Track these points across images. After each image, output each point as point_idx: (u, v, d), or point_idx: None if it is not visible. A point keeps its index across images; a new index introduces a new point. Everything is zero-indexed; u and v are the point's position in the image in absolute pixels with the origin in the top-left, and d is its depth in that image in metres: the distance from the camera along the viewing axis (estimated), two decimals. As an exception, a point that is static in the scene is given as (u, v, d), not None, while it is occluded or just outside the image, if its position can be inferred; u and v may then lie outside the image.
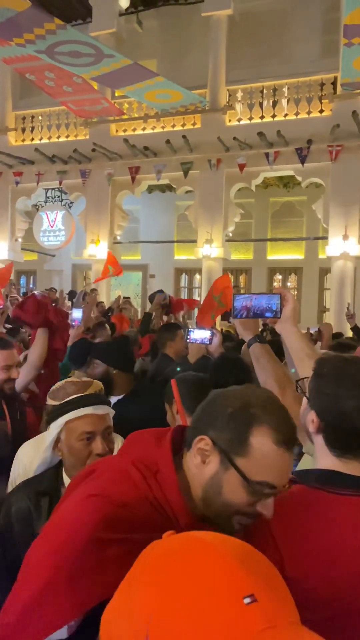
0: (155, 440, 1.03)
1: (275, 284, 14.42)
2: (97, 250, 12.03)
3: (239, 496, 0.93)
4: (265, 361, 1.75)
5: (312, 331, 6.80)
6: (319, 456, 1.19)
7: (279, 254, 14.27)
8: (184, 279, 15.57)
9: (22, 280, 16.75)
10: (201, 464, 0.96)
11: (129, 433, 1.15)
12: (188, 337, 3.17)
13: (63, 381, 1.69)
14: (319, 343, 5.15)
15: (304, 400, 1.23)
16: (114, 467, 1.01)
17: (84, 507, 0.96)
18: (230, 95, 11.09)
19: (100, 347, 3.04)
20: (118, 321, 6.22)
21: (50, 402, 1.66)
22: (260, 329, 1.91)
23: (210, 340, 3.07)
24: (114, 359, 2.70)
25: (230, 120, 10.97)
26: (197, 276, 14.66)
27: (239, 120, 10.94)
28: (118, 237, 12.54)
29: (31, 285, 16.74)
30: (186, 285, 15.58)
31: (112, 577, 0.77)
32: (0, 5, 6.06)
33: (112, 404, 2.52)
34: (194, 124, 11.22)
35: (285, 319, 1.67)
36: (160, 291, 6.46)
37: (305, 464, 1.71)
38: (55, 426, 1.55)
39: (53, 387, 1.69)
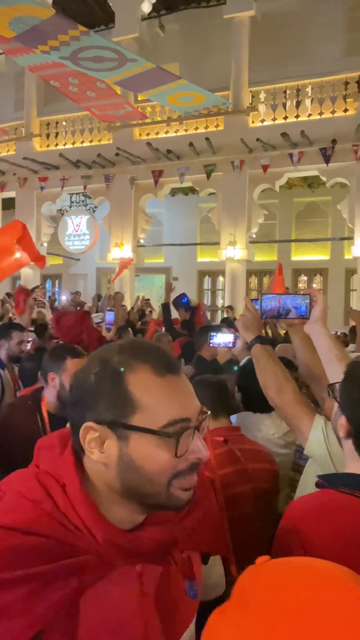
0: (61, 446, 0.86)
1: (300, 285, 14.29)
2: (121, 254, 12.11)
3: (158, 458, 0.77)
4: (264, 362, 1.75)
5: (339, 333, 6.71)
6: (348, 460, 1.17)
7: (303, 255, 14.14)
8: (207, 281, 15.55)
9: (48, 284, 16.96)
10: (101, 456, 0.79)
11: None
12: (211, 340, 3.16)
13: None
14: (351, 346, 5.05)
15: (335, 404, 1.21)
16: (16, 486, 0.82)
17: None
18: (253, 96, 11.05)
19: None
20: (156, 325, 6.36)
21: None
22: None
23: (234, 343, 3.05)
24: None
25: (253, 122, 10.92)
26: (221, 278, 14.62)
27: (262, 121, 10.89)
28: (141, 241, 12.60)
29: (56, 289, 16.95)
30: (209, 288, 15.56)
31: (17, 625, 0.68)
32: (25, 14, 6.16)
33: None
34: (216, 126, 11.21)
35: (314, 320, 1.65)
36: (184, 295, 6.46)
37: (310, 469, 1.68)
38: None
39: None
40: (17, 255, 5.09)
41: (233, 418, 2.24)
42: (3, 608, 0.69)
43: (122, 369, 0.78)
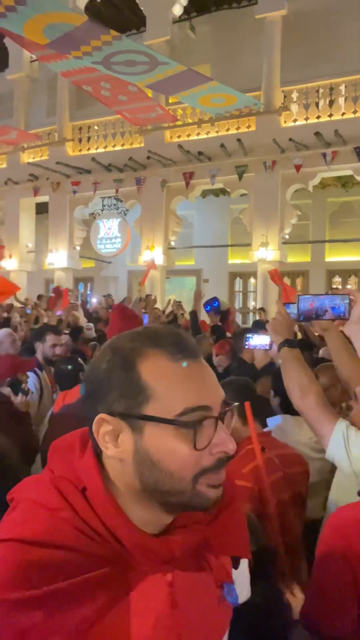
0: (81, 446, 0.78)
1: (334, 286, 14.04)
2: (152, 256, 12.15)
3: (176, 450, 0.70)
4: (290, 365, 1.76)
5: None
6: None
7: (337, 256, 13.89)
8: (238, 283, 15.46)
9: (80, 287, 17.16)
10: (117, 451, 0.72)
11: None
12: (247, 342, 3.12)
13: None
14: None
15: None
16: (31, 493, 0.76)
17: None
18: (285, 96, 10.93)
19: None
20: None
21: None
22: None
23: (270, 345, 3.00)
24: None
25: (285, 122, 10.81)
26: (252, 280, 14.51)
27: (295, 121, 10.76)
28: (172, 243, 12.61)
29: (88, 292, 17.13)
30: (240, 290, 15.46)
31: None
32: (58, 20, 6.25)
33: None
34: (248, 127, 11.14)
35: (354, 321, 1.61)
36: (215, 299, 6.41)
37: (339, 474, 1.66)
38: None
39: None
40: None
41: (270, 421, 2.20)
42: (25, 631, 0.63)
43: (134, 359, 0.72)
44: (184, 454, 0.70)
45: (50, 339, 3.43)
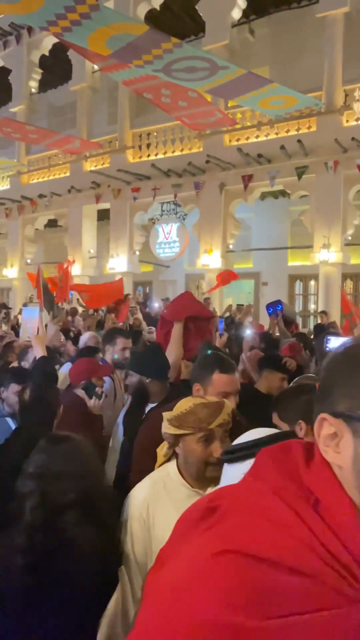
0: (306, 455, 0.70)
1: None
2: (210, 260, 12.17)
3: None
4: None
5: None
6: None
7: None
8: (298, 285, 15.19)
9: (139, 291, 17.43)
10: (336, 456, 0.66)
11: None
12: (327, 345, 3.08)
13: (189, 402, 1.56)
14: None
15: None
16: (247, 502, 0.67)
17: (210, 573, 0.60)
18: (347, 95, 10.67)
19: (134, 357, 3.11)
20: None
21: (173, 429, 1.54)
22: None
23: None
24: (147, 368, 2.71)
25: (347, 121, 10.55)
26: (312, 282, 14.22)
27: (358, 119, 10.48)
28: (230, 246, 12.59)
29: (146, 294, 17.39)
30: (301, 292, 15.18)
31: None
32: (121, 32, 6.39)
33: (147, 411, 2.55)
34: (309, 127, 10.95)
35: None
36: (279, 302, 6.30)
37: None
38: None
39: (177, 412, 1.55)
40: None
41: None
42: None
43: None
44: None
45: (120, 342, 3.50)
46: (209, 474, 1.53)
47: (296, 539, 0.61)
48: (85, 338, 4.75)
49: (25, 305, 2.49)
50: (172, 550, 0.73)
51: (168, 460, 1.68)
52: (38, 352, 2.53)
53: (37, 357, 2.48)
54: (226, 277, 10.71)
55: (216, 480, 1.40)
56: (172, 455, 1.66)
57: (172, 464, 1.65)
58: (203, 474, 1.54)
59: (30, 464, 1.46)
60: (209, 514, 0.69)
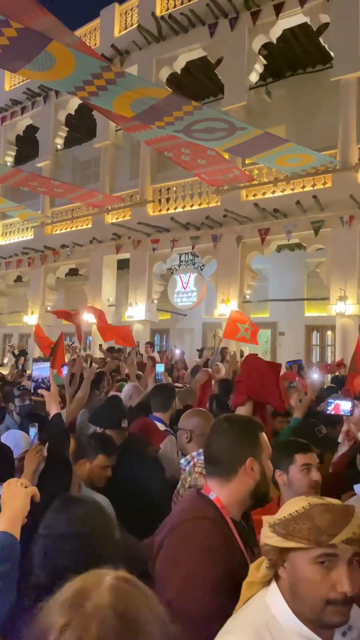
0: None
1: None
2: (227, 310, 12.27)
3: None
4: None
5: None
6: None
7: None
8: (315, 336, 15.16)
9: (157, 339, 17.54)
10: None
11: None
12: (328, 408, 3.05)
13: (302, 502, 1.12)
14: None
15: None
16: None
17: None
18: (361, 152, 10.99)
19: (93, 412, 3.50)
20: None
21: (277, 539, 1.10)
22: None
23: (351, 412, 2.91)
24: (103, 420, 3.08)
25: (362, 177, 10.82)
26: (329, 333, 14.19)
27: (372, 176, 10.74)
28: (247, 296, 12.71)
29: (164, 343, 17.47)
30: (317, 343, 15.13)
31: None
32: (145, 95, 6.76)
33: None
34: (324, 184, 11.24)
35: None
36: (299, 360, 6.32)
37: None
38: None
39: (283, 514, 1.13)
40: None
41: (358, 488, 2.15)
42: None
43: None
44: None
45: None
46: (329, 617, 1.05)
47: None
48: (131, 391, 4.72)
49: (36, 360, 2.54)
50: None
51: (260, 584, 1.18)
52: (52, 409, 2.46)
53: (52, 415, 2.45)
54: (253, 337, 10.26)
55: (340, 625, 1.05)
56: (271, 578, 1.17)
57: (275, 596, 1.13)
58: (319, 616, 1.05)
59: (41, 523, 1.48)
60: None
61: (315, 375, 5.14)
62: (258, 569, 1.16)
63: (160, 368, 4.39)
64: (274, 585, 1.14)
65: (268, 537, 1.11)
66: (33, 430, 2.48)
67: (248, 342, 9.40)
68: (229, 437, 1.56)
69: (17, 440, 2.75)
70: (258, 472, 1.52)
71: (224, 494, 1.50)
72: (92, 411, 3.62)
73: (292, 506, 1.12)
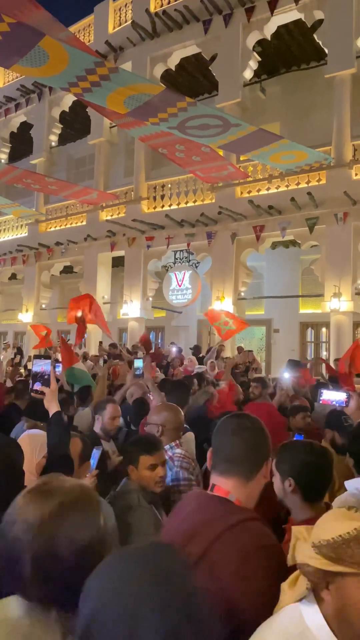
0: None
1: None
2: (222, 307, 12.28)
3: None
4: None
5: None
6: None
7: None
8: (309, 333, 15.20)
9: (152, 336, 17.54)
10: None
11: None
12: (320, 398, 3.07)
13: (353, 524, 1.03)
14: None
15: None
16: None
17: None
18: (355, 150, 11.00)
19: None
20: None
21: (323, 562, 1.02)
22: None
23: (347, 402, 2.93)
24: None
25: (356, 174, 10.83)
26: (324, 330, 14.23)
27: (366, 173, 10.77)
28: (242, 294, 12.72)
29: (159, 340, 17.47)
30: (312, 340, 15.18)
31: None
32: (138, 92, 6.74)
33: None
34: (318, 181, 11.25)
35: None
36: (301, 364, 6.34)
37: None
38: None
39: (331, 535, 1.03)
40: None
41: (349, 484, 2.15)
42: None
43: None
44: None
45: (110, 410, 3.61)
46: None
47: None
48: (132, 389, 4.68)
49: (36, 357, 2.47)
50: None
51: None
52: (52, 407, 2.37)
53: (53, 413, 2.33)
54: (239, 325, 10.52)
55: None
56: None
57: (313, 613, 1.06)
58: None
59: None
60: None
61: (286, 375, 5.12)
62: (292, 587, 1.09)
63: (139, 363, 4.34)
64: (311, 599, 1.07)
65: (312, 558, 1.03)
66: (97, 453, 2.46)
67: (235, 331, 9.46)
68: (255, 435, 1.50)
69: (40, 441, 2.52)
70: (269, 473, 1.52)
71: (243, 494, 1.43)
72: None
73: (336, 525, 1.04)
